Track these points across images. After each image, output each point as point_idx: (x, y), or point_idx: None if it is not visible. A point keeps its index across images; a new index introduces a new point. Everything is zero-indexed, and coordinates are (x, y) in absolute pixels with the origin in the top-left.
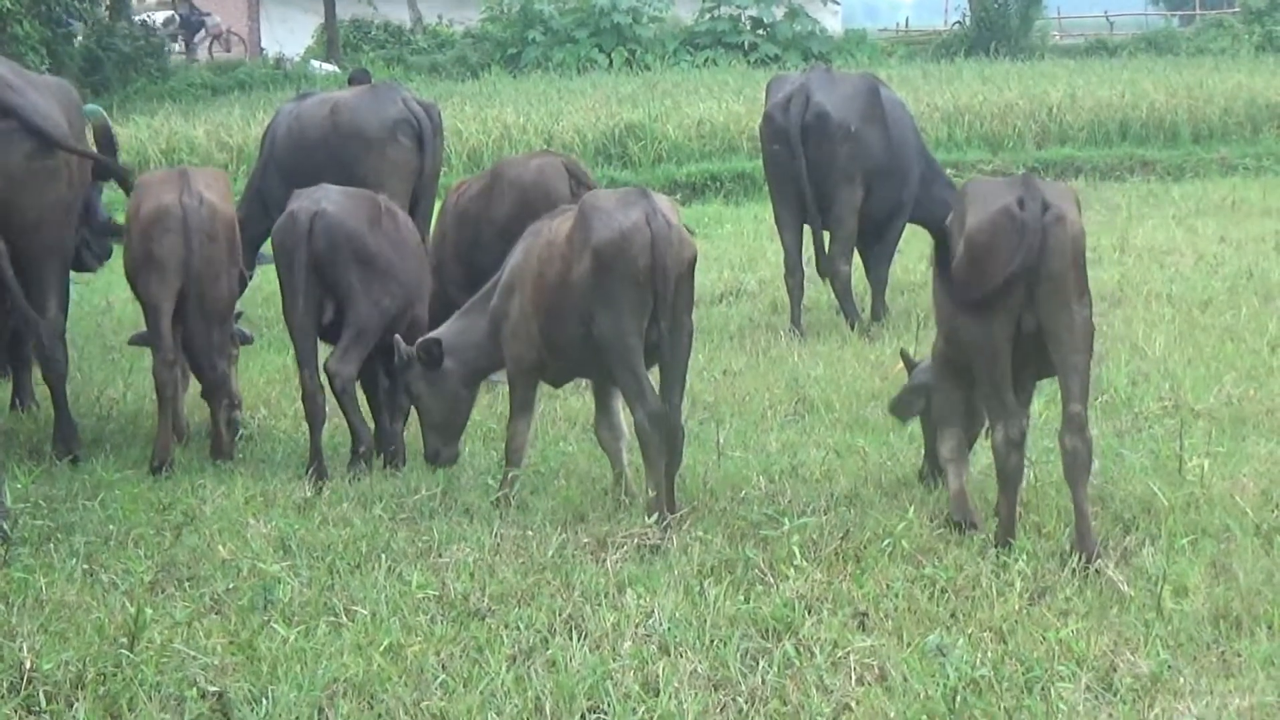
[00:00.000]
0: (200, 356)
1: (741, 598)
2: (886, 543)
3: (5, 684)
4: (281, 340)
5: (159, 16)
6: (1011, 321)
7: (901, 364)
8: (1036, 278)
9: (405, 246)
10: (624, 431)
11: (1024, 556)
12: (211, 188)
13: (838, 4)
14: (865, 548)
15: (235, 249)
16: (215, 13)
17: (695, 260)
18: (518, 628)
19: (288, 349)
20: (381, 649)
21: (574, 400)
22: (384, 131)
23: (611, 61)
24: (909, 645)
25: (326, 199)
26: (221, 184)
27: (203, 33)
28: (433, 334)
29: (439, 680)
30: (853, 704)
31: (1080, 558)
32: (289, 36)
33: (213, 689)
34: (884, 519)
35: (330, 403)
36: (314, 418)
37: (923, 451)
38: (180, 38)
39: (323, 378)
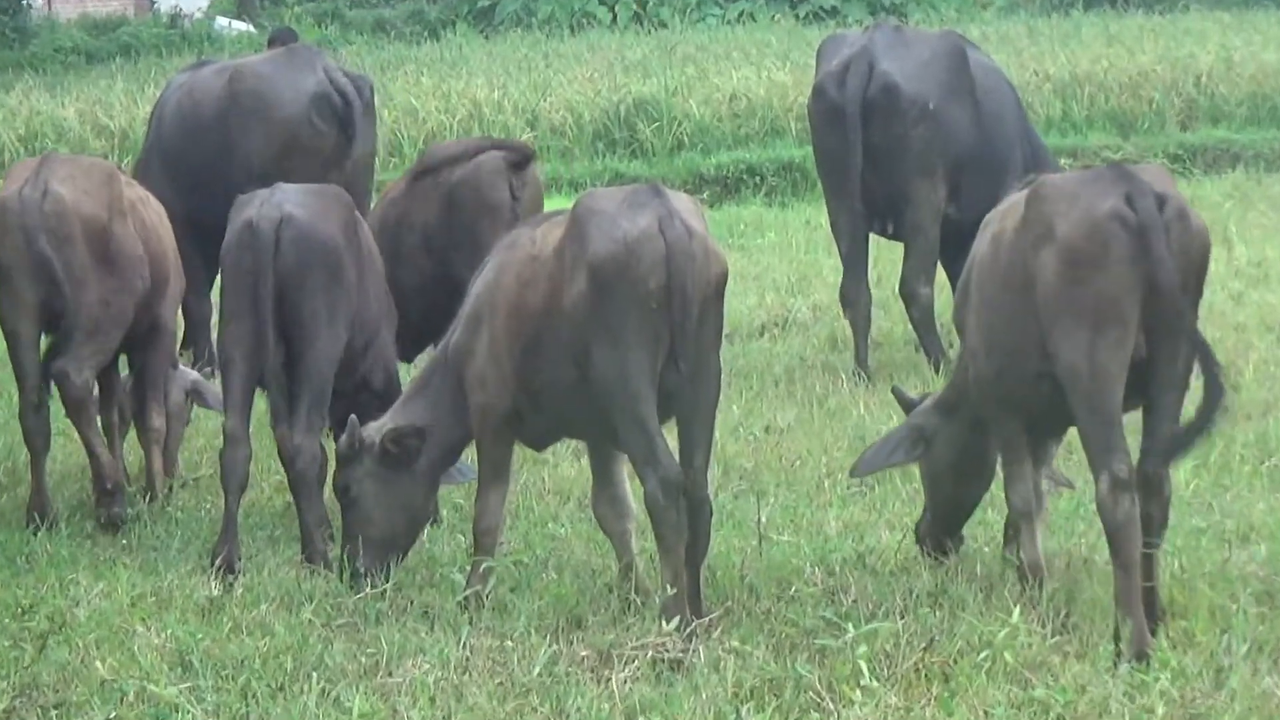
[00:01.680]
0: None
1: None
2: (984, 655)
3: None
4: None
5: None
6: (1128, 345)
7: None
8: (1157, 291)
9: (372, 259)
10: (631, 508)
11: (1167, 673)
12: (72, 181)
13: None
14: (955, 662)
15: (113, 255)
16: None
17: (725, 279)
18: None
19: None
20: None
21: (567, 467)
22: (295, 108)
23: (615, 16)
24: None
25: (289, 201)
26: (91, 177)
27: None
28: (392, 419)
29: None
30: None
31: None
32: None
33: None
34: (980, 623)
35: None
36: (233, 482)
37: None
38: None
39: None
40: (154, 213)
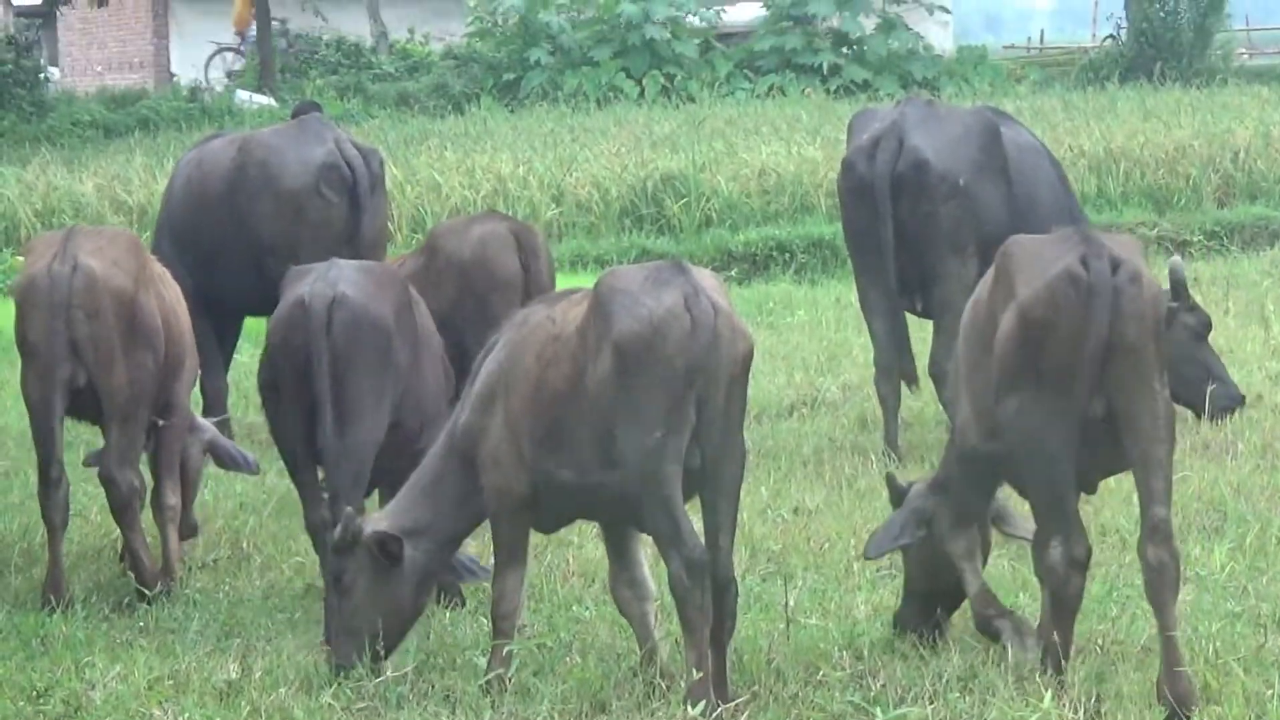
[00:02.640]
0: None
1: None
2: None
3: None
4: None
5: None
6: (1077, 410)
7: None
8: (1112, 352)
9: (428, 339)
10: (651, 589)
11: None
12: (100, 253)
13: (948, 12)
14: None
15: (142, 330)
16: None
17: (751, 357)
18: None
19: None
20: None
21: (591, 549)
22: (303, 179)
23: (643, 90)
24: None
25: (343, 280)
26: (119, 248)
27: None
28: (386, 521)
29: None
30: None
31: (1167, 711)
32: (208, 58)
33: None
34: (1011, 709)
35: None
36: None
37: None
38: None
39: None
40: (172, 290)
